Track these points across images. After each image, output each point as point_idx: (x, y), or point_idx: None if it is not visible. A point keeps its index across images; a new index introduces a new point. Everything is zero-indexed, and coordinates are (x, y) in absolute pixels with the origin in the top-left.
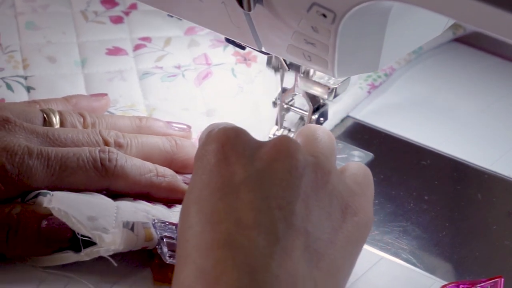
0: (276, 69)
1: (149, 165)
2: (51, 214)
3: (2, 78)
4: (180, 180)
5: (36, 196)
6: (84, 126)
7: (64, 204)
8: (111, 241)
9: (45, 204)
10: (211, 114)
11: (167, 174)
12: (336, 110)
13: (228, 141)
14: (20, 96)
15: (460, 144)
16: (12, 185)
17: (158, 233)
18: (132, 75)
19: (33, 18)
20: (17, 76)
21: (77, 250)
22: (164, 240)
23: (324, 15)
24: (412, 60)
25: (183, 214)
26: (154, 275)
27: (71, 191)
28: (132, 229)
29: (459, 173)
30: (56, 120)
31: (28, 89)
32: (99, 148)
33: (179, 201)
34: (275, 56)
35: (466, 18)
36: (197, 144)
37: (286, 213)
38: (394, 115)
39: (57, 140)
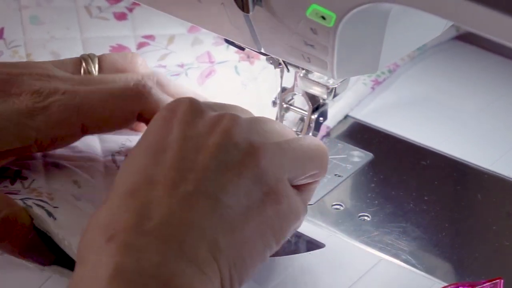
0: (276, 64)
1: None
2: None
3: None
4: None
5: (38, 200)
6: (130, 62)
7: (66, 230)
8: None
9: (47, 228)
10: None
11: None
12: (339, 107)
13: (177, 108)
14: None
15: (460, 144)
16: (42, 121)
17: None
18: None
19: (37, 12)
20: None
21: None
22: None
23: (323, 17)
24: (416, 56)
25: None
26: None
27: (102, 130)
28: None
29: (459, 173)
30: (95, 66)
31: None
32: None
33: None
34: None
35: (464, 20)
36: None
37: (197, 175)
38: (394, 115)
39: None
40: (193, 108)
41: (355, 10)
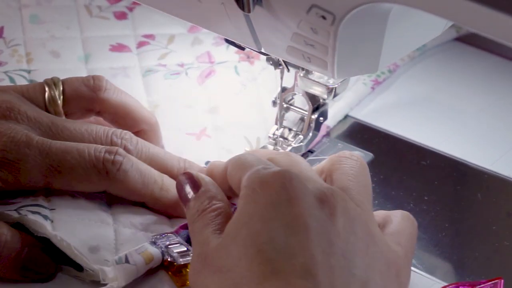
0: (276, 65)
1: (155, 174)
2: (37, 238)
3: (5, 72)
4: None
5: (34, 205)
6: (94, 86)
7: (64, 231)
8: (113, 277)
9: (44, 231)
10: (214, 112)
11: (171, 190)
12: (339, 107)
13: (289, 185)
14: None
15: (460, 144)
16: (10, 173)
17: (162, 245)
18: (135, 72)
19: (37, 11)
20: (20, 70)
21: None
22: (170, 247)
23: (324, 17)
24: (416, 57)
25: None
26: (176, 282)
27: (67, 189)
28: (127, 261)
29: (459, 173)
30: (59, 91)
31: (31, 82)
32: (106, 147)
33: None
34: None
35: (464, 20)
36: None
37: (349, 263)
38: (394, 114)
39: (61, 132)
40: (303, 183)
41: (355, 10)
